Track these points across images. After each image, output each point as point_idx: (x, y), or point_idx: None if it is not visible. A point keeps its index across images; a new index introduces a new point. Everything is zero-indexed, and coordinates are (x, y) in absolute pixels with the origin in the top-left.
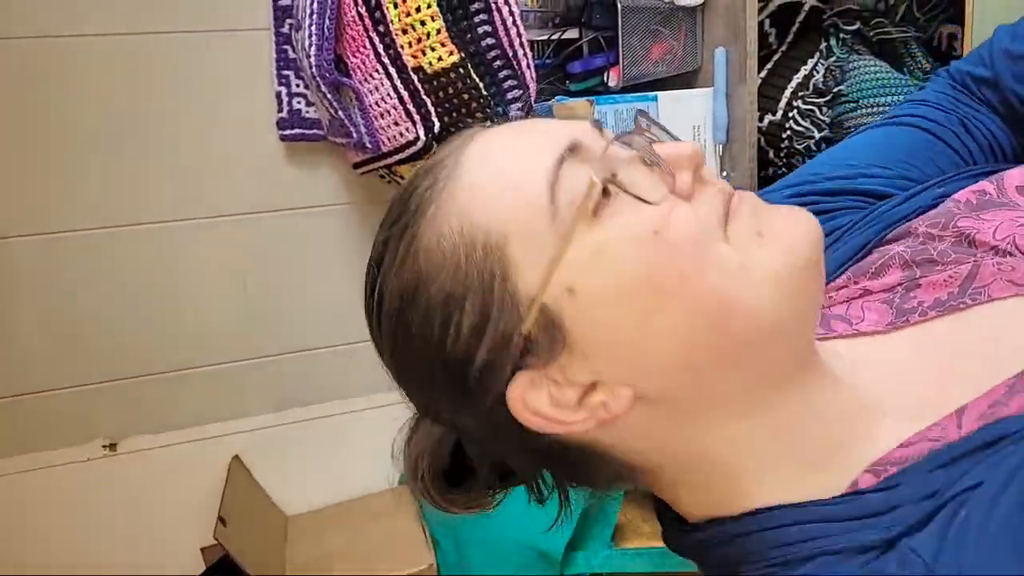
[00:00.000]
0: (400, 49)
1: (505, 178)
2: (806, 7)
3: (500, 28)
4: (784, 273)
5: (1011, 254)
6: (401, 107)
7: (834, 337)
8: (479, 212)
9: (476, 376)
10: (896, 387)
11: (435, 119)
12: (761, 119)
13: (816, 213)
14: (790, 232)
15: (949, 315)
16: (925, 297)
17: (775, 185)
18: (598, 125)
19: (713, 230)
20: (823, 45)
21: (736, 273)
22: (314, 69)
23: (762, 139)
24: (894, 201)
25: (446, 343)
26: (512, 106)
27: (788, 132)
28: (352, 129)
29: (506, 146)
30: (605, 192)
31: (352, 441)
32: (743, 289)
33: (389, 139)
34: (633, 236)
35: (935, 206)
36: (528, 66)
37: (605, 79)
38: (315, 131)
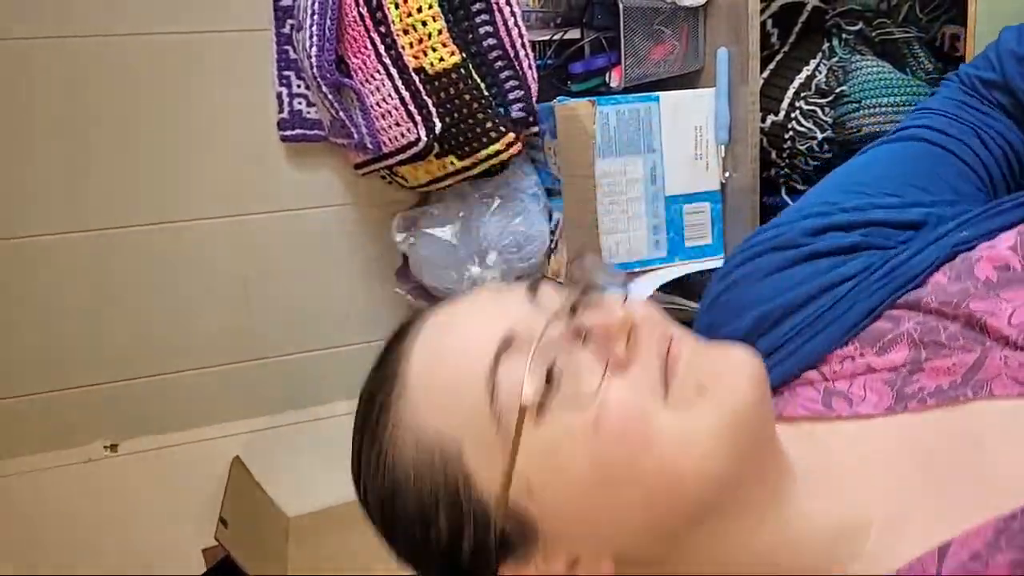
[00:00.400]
0: (401, 50)
1: (447, 385)
2: (808, 7)
3: (502, 28)
4: (730, 425)
5: (1022, 348)
6: (402, 108)
7: (833, 418)
8: (431, 423)
9: (466, 569)
10: (885, 492)
11: (436, 120)
12: (763, 119)
13: (833, 251)
14: (731, 381)
15: (947, 407)
16: (927, 383)
17: (787, 217)
18: (533, 289)
19: (652, 400)
20: (825, 45)
21: (681, 441)
22: (315, 70)
23: (764, 139)
24: (911, 250)
25: (430, 544)
26: (514, 106)
27: (791, 132)
28: (353, 130)
29: (445, 347)
30: (545, 386)
31: None
32: (691, 456)
33: (390, 140)
34: (576, 432)
35: (954, 256)
36: (530, 66)
37: (607, 79)
38: (316, 132)
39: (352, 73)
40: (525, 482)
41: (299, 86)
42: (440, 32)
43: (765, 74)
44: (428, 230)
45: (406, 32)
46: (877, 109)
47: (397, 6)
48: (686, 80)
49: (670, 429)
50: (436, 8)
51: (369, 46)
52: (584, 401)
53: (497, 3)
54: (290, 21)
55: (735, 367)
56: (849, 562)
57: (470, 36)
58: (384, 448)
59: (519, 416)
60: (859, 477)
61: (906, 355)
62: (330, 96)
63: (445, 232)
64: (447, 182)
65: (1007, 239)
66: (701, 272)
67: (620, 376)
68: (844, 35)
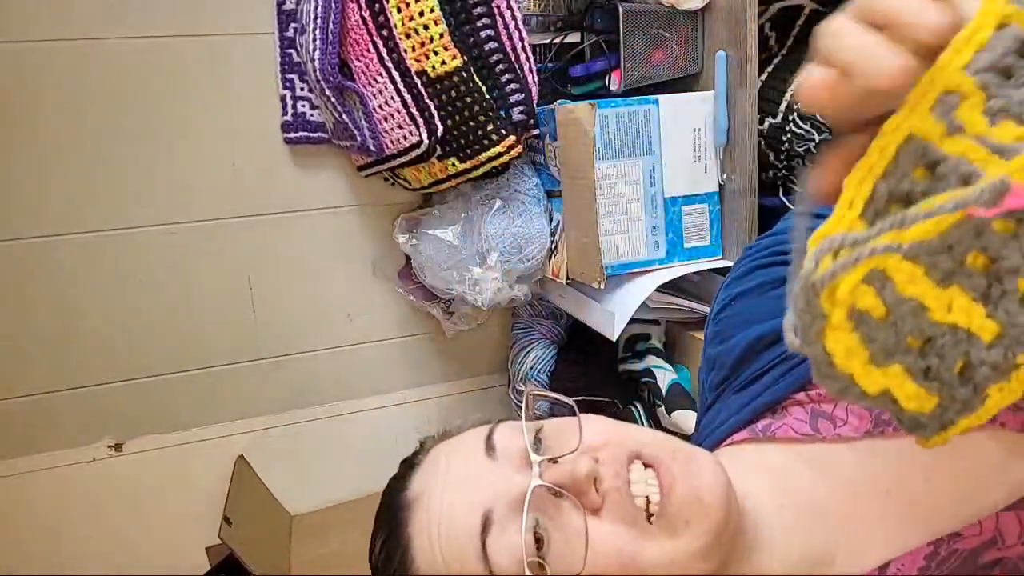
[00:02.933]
0: (403, 53)
1: (455, 567)
2: (806, 11)
3: (502, 32)
4: (711, 544)
5: None
6: (404, 111)
7: (818, 440)
8: None
9: None
10: (849, 520)
11: (438, 122)
12: (762, 122)
13: None
14: (708, 510)
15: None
16: None
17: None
18: (491, 446)
19: (636, 537)
20: None
21: (669, 567)
22: (318, 73)
23: (762, 142)
24: None
25: None
26: (514, 109)
27: (788, 135)
28: (356, 132)
29: (440, 544)
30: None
31: (356, 440)
32: (680, 572)
33: (393, 142)
34: None
35: None
36: (530, 70)
37: (607, 82)
38: (319, 134)
39: (355, 76)
40: None
41: (302, 89)
42: (442, 36)
43: (763, 77)
44: (430, 231)
45: (408, 36)
46: None
47: (399, 10)
48: (685, 83)
49: (660, 560)
50: (438, 12)
51: (372, 49)
52: (578, 560)
53: (498, 7)
54: (293, 24)
55: (711, 489)
56: None
57: (471, 40)
58: None
59: None
60: (823, 504)
61: None
62: (333, 99)
63: (447, 233)
64: (449, 184)
65: None
66: (700, 272)
67: (598, 520)
68: None
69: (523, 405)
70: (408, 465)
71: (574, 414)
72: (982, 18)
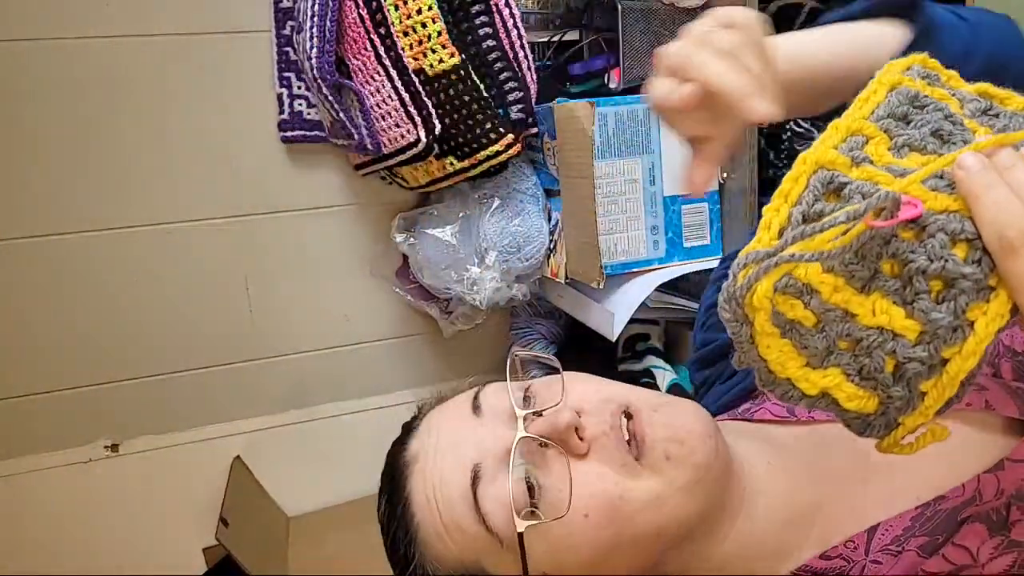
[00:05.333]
0: (401, 51)
1: (449, 527)
2: (806, 9)
3: (501, 30)
4: (695, 480)
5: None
6: (402, 109)
7: (792, 423)
8: (450, 552)
9: None
10: (828, 481)
11: (436, 121)
12: None
13: None
14: (691, 445)
15: None
16: None
17: None
18: (476, 407)
19: (623, 478)
20: None
21: (657, 504)
22: (315, 71)
23: (762, 140)
24: None
25: None
26: (513, 108)
27: (788, 133)
28: (353, 131)
29: (434, 499)
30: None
31: (353, 442)
32: (666, 511)
33: (390, 140)
34: (571, 528)
35: None
36: (529, 68)
37: (606, 80)
38: (316, 133)
39: (352, 74)
40: (541, 569)
41: (299, 87)
42: (440, 34)
43: None
44: (428, 230)
45: (406, 34)
46: None
47: (397, 8)
48: None
49: (646, 496)
50: (436, 10)
51: (369, 47)
52: (564, 503)
53: (496, 5)
54: (290, 23)
55: (691, 430)
56: (797, 548)
57: (469, 38)
58: (419, 564)
59: (520, 542)
60: (808, 468)
61: None
62: (330, 97)
63: (445, 232)
64: (447, 182)
65: None
66: (699, 272)
67: (585, 463)
68: None
69: (508, 366)
70: (406, 429)
71: (559, 373)
72: (877, 84)
